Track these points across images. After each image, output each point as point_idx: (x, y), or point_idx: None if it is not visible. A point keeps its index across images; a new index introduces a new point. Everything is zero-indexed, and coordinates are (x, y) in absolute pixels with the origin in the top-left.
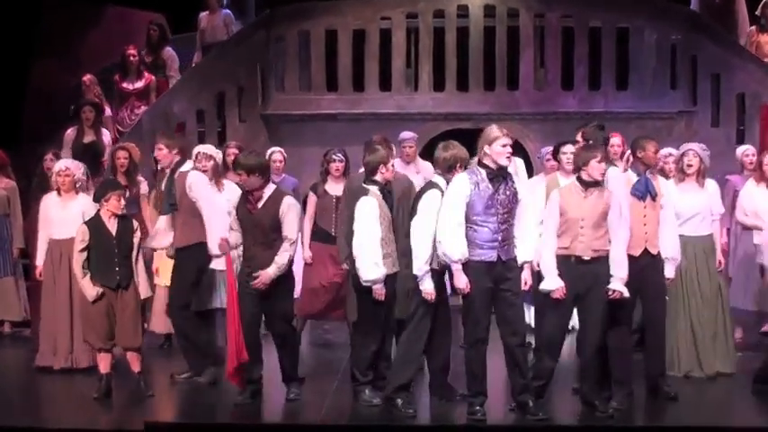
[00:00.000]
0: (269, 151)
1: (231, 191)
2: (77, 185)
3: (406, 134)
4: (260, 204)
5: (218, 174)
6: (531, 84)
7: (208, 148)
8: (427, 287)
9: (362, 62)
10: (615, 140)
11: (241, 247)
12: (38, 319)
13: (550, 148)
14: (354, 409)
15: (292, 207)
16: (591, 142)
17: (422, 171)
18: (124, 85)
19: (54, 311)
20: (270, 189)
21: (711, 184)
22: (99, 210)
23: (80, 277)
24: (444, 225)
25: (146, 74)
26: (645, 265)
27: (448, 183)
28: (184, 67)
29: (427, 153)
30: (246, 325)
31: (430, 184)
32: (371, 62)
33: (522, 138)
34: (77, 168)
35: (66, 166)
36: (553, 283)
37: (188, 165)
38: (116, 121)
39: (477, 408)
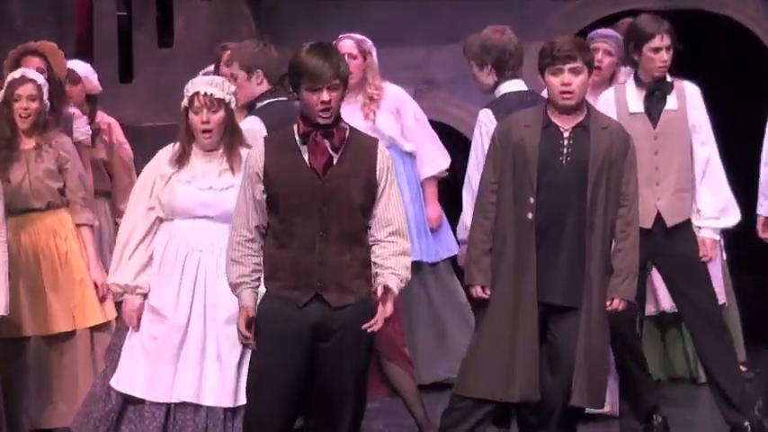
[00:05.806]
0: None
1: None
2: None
3: (603, 31)
4: (335, 158)
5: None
6: None
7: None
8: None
9: None
10: None
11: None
12: None
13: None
14: None
15: (391, 162)
16: None
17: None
18: None
19: None
20: (345, 128)
21: None
22: None
23: None
24: None
25: None
26: None
27: None
28: None
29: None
30: (266, 410)
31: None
32: None
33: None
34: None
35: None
36: None
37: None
38: None
39: None
